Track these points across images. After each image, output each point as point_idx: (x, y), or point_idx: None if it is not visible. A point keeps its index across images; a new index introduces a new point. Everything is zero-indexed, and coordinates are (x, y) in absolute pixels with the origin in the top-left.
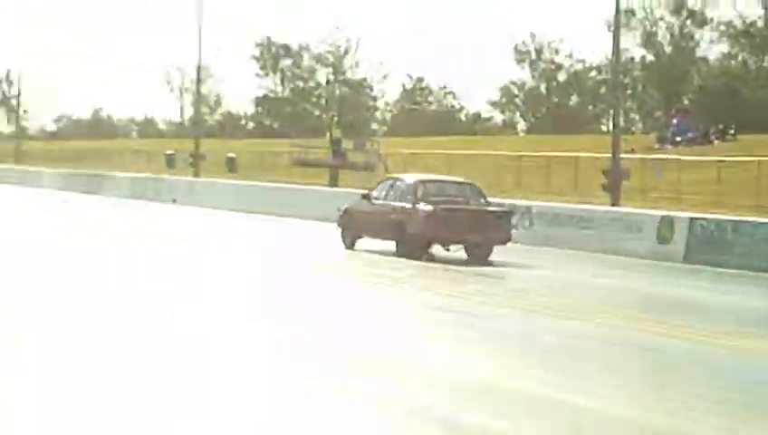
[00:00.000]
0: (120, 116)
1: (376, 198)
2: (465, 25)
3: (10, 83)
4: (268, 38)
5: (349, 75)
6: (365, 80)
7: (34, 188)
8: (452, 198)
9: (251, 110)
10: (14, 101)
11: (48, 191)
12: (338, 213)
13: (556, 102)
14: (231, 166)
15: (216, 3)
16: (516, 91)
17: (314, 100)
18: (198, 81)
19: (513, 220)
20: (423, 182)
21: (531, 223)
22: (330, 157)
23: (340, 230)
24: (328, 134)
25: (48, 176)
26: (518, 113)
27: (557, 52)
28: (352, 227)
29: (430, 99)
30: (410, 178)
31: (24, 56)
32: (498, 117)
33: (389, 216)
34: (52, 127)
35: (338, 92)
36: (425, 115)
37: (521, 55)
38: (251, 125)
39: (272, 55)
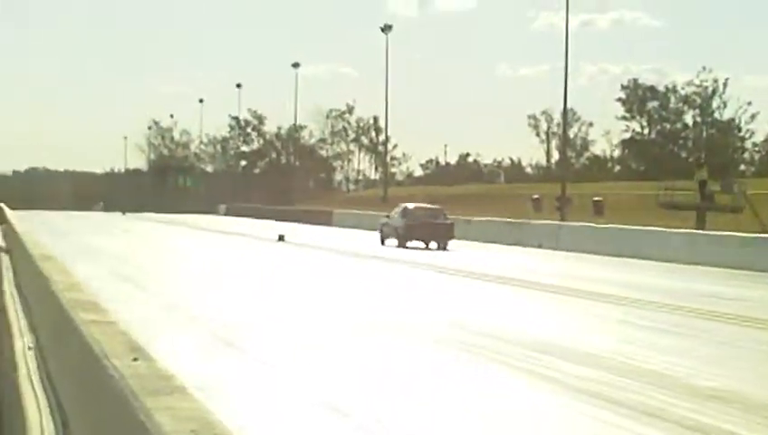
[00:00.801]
0: (487, 160)
1: (392, 217)
2: None
3: (378, 130)
4: (634, 80)
5: (716, 116)
6: (733, 120)
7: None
8: (425, 217)
9: (617, 152)
10: (381, 148)
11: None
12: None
13: None
14: (597, 209)
15: (579, 47)
16: None
17: (681, 141)
18: (565, 125)
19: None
20: (412, 208)
21: None
22: (697, 199)
23: (379, 235)
24: (695, 176)
25: None
26: None
27: None
28: (383, 233)
29: None
30: (409, 205)
31: (392, 103)
32: None
33: (394, 226)
34: (419, 172)
35: (705, 134)
36: None
37: None
38: (617, 168)
39: (638, 98)
